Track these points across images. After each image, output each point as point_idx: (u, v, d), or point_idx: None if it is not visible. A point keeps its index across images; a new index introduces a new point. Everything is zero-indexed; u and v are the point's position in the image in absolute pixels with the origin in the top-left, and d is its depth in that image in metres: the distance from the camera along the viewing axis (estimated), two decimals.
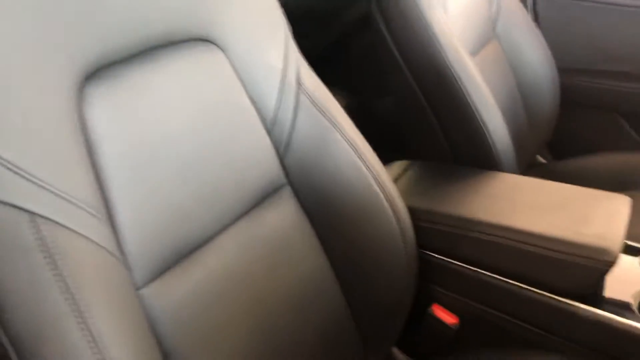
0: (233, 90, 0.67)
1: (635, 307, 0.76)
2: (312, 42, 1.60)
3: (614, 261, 0.74)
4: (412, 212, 0.83)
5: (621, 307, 0.77)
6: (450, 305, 0.87)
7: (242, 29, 0.70)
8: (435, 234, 0.86)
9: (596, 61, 1.41)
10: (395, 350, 0.93)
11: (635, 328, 0.74)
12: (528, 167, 1.36)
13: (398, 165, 1.01)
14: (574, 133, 1.48)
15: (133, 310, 0.50)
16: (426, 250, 0.87)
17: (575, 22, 1.41)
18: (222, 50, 0.68)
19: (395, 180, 0.96)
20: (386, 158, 1.06)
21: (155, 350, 0.52)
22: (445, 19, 1.00)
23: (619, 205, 0.82)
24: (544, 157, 1.53)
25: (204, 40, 0.66)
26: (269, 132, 0.71)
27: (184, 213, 0.59)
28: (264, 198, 0.69)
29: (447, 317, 0.85)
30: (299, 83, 0.73)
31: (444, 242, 0.86)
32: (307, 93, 0.74)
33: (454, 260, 0.85)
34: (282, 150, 0.72)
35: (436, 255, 0.86)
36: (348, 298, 0.77)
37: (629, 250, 0.87)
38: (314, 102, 0.74)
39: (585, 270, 0.75)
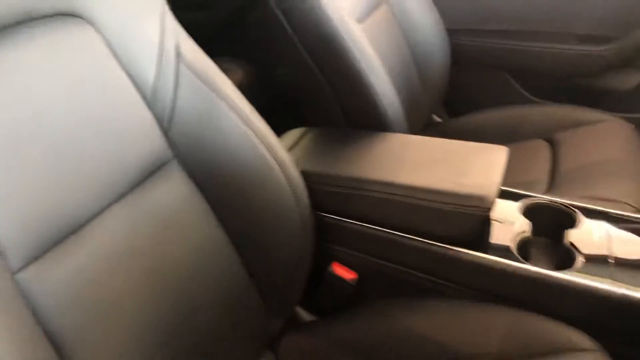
0: (106, 65, 0.66)
1: (514, 249, 0.83)
2: (212, 14, 1.58)
3: (490, 207, 0.79)
4: (307, 176, 0.85)
5: (502, 250, 0.83)
6: (348, 262, 0.91)
7: (112, 3, 0.68)
8: (330, 195, 0.89)
9: (482, 21, 1.48)
10: (299, 310, 0.97)
11: (514, 267, 0.80)
12: (425, 127, 1.41)
13: (295, 133, 1.03)
14: (466, 91, 1.55)
15: (7, 296, 0.49)
16: (323, 212, 0.90)
17: None
18: (92, 25, 0.66)
19: (292, 147, 0.97)
20: (286, 126, 1.08)
21: (37, 333, 0.51)
22: None
23: (496, 156, 0.88)
24: (440, 116, 1.60)
25: (70, 15, 0.64)
26: (150, 106, 0.70)
27: (61, 193, 0.58)
28: (150, 173, 0.69)
29: (346, 274, 0.89)
30: (178, 56, 0.73)
31: (338, 203, 0.89)
32: (188, 65, 0.73)
33: (349, 219, 0.89)
34: (165, 124, 0.71)
35: (332, 216, 0.90)
36: (247, 265, 0.79)
37: (511, 197, 0.94)
38: (196, 74, 0.74)
39: (465, 217, 0.80)
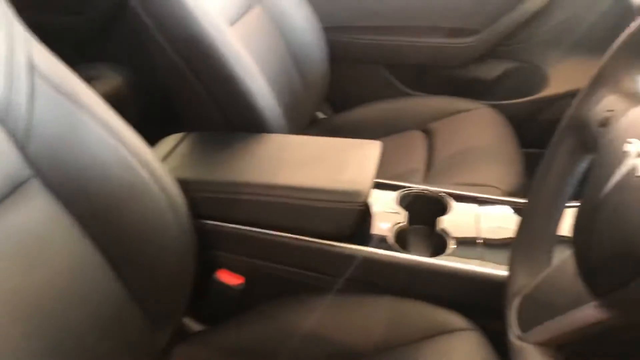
0: None
1: (391, 239, 0.86)
2: (84, 18, 1.50)
3: (365, 201, 0.82)
4: (185, 184, 0.84)
5: (381, 241, 0.87)
6: (235, 267, 0.91)
7: None
8: (211, 202, 0.88)
9: (356, 18, 1.52)
10: (188, 320, 0.95)
11: (391, 257, 0.84)
12: (310, 124, 1.43)
13: (171, 139, 1.00)
14: (348, 87, 1.59)
15: None
16: (205, 219, 0.89)
17: None
18: None
19: (168, 154, 0.95)
20: (166, 132, 1.05)
21: None
22: None
23: (370, 151, 0.91)
24: (325, 112, 1.63)
25: None
26: (2, 123, 0.65)
27: None
28: (6, 195, 0.64)
29: (232, 279, 0.89)
30: (31, 67, 0.68)
31: (220, 209, 0.88)
32: (43, 77, 0.69)
33: (232, 224, 0.88)
34: (21, 141, 0.67)
35: (215, 223, 0.89)
36: (126, 282, 0.76)
37: (388, 188, 0.97)
38: (54, 87, 0.70)
39: (343, 212, 0.82)
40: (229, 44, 0.98)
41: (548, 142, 1.44)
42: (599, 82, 0.54)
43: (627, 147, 0.43)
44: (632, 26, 0.52)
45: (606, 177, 0.43)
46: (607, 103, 0.51)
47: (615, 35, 1.42)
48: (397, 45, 1.52)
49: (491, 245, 0.86)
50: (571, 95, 1.42)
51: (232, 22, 1.09)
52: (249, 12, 1.18)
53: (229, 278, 0.89)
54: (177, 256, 0.79)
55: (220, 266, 0.91)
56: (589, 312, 0.43)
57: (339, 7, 1.51)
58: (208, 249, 0.89)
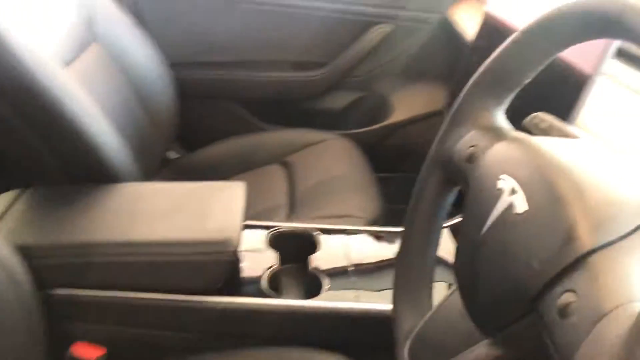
0: None
1: (265, 284, 0.83)
2: None
3: (236, 249, 0.78)
4: (27, 250, 0.73)
5: (254, 287, 0.83)
6: (95, 338, 0.80)
7: None
8: (59, 268, 0.77)
9: (203, 53, 1.48)
10: None
11: (266, 305, 0.80)
12: (161, 165, 1.35)
13: (5, 197, 0.87)
14: (200, 124, 1.54)
15: None
16: (55, 288, 0.78)
17: (177, 16, 1.45)
18: None
19: (1, 215, 0.82)
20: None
21: None
22: (24, 30, 0.88)
23: (234, 193, 0.86)
24: (178, 152, 1.55)
25: None
26: None
27: None
28: None
29: (90, 352, 0.78)
30: None
31: (70, 275, 0.78)
32: None
33: (87, 289, 0.78)
34: None
35: (66, 292, 0.78)
36: None
37: (256, 229, 0.94)
38: None
39: (212, 265, 0.77)
40: (62, 86, 0.87)
41: (397, 166, 1.51)
42: (458, 119, 0.55)
43: (499, 184, 0.44)
44: (484, 65, 0.54)
45: (483, 215, 0.44)
46: (470, 139, 0.53)
47: (448, 64, 1.54)
48: (248, 80, 1.51)
49: (363, 273, 0.87)
50: (414, 121, 1.54)
51: (68, 63, 0.98)
52: (86, 50, 1.08)
53: (86, 351, 0.78)
54: (23, 337, 0.68)
55: (78, 338, 0.80)
56: (482, 351, 0.43)
57: (185, 42, 1.45)
58: (61, 322, 0.78)
